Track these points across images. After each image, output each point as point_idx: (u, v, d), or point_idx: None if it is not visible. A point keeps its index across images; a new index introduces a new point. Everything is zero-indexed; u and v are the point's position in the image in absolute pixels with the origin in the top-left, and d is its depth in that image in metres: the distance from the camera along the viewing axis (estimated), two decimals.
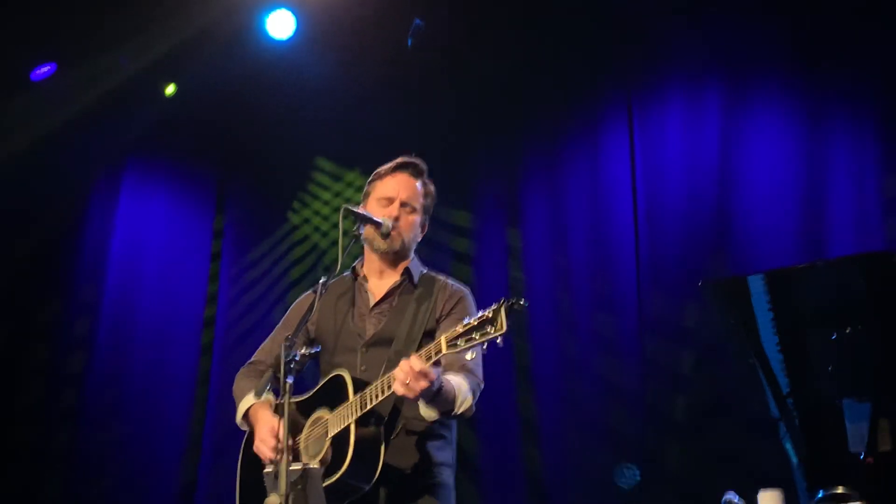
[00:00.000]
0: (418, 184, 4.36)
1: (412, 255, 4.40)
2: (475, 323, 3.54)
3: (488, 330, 3.49)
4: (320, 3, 7.25)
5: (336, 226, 7.66)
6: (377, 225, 4.20)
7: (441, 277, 4.38)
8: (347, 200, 7.70)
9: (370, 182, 4.41)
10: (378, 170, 4.41)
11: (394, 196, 4.29)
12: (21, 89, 7.48)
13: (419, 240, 4.42)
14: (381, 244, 4.27)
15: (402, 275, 4.31)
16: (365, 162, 7.65)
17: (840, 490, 4.26)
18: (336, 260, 4.00)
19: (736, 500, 4.53)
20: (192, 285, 7.96)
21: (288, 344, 3.70)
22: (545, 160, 7.28)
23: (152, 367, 7.63)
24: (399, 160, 4.38)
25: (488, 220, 7.31)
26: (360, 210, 4.25)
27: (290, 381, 3.66)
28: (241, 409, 4.26)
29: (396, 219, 4.25)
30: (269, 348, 4.45)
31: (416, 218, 4.33)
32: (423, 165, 4.40)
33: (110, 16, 7.15)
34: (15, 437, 7.32)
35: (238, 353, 7.55)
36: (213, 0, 7.16)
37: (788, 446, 4.85)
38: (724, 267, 6.31)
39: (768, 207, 6.31)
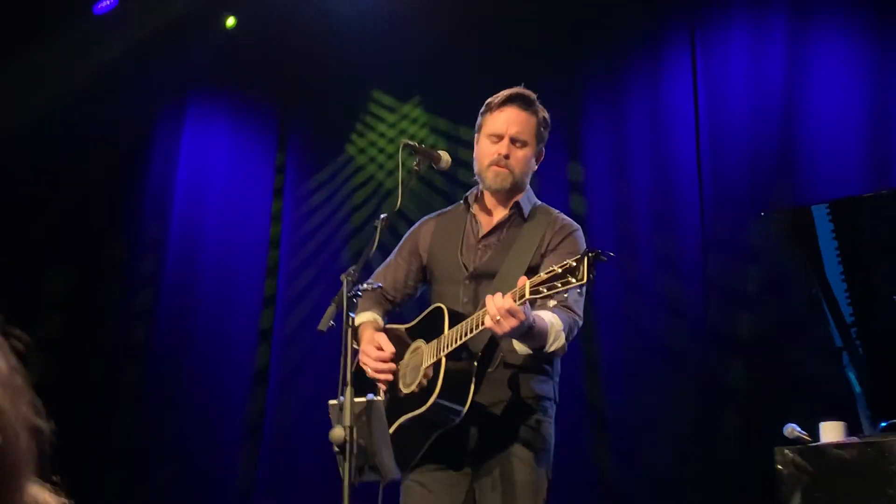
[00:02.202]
0: (529, 115, 4.24)
1: (526, 188, 4.35)
2: (559, 270, 3.50)
3: (570, 279, 3.46)
4: None
5: (391, 157, 7.70)
6: (437, 159, 4.16)
7: (553, 211, 4.33)
8: (402, 132, 7.72)
9: (482, 114, 4.31)
10: (488, 101, 4.30)
11: (502, 132, 4.19)
12: (83, 22, 7.54)
13: (534, 170, 4.35)
14: (492, 182, 4.21)
15: (512, 208, 4.26)
16: (423, 94, 7.75)
17: None
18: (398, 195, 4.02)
19: (798, 431, 4.54)
20: (255, 217, 8.02)
21: (350, 279, 3.73)
22: (606, 89, 7.20)
23: (219, 301, 7.73)
24: (507, 93, 4.26)
25: (549, 153, 7.27)
26: (418, 144, 4.23)
27: (352, 314, 3.70)
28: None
29: (506, 156, 4.17)
30: (385, 273, 4.45)
31: (528, 151, 4.24)
32: (532, 95, 4.28)
33: None
34: (85, 374, 7.48)
35: (300, 294, 7.67)
36: None
37: (851, 376, 4.83)
38: (787, 194, 6.23)
39: (834, 134, 6.21)
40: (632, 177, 6.95)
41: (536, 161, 4.33)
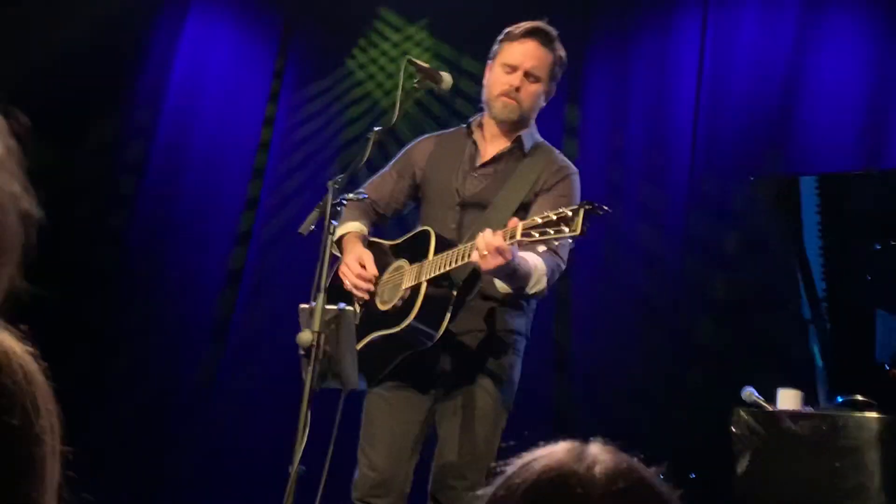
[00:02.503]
0: (546, 52, 4.22)
1: (531, 124, 4.34)
2: (553, 217, 3.49)
3: (564, 229, 3.46)
4: None
5: (391, 76, 7.66)
6: (439, 80, 4.14)
7: (554, 151, 4.33)
8: (405, 54, 7.67)
9: (499, 41, 4.28)
10: (508, 30, 4.27)
11: (518, 64, 4.17)
12: None
13: (542, 107, 4.33)
14: (500, 113, 4.20)
15: (514, 141, 4.25)
16: (431, 17, 7.69)
17: (859, 398, 4.31)
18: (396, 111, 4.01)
19: (755, 395, 4.60)
20: (247, 119, 7.97)
21: (337, 186, 3.75)
22: (613, 37, 7.18)
23: (202, 196, 7.70)
24: (529, 25, 4.23)
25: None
26: (423, 63, 4.21)
27: (335, 222, 3.72)
28: (336, 234, 4.22)
29: (517, 88, 4.16)
30: (378, 184, 4.45)
31: (539, 87, 4.22)
32: (553, 32, 4.26)
33: None
34: (63, 254, 7.45)
35: (284, 199, 7.67)
36: None
37: (815, 349, 4.90)
38: (778, 164, 6.28)
39: (832, 110, 6.23)
40: (627, 127, 6.96)
41: (546, 99, 4.32)
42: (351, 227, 4.28)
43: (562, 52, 4.29)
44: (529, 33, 4.22)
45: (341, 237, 4.27)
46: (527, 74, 4.18)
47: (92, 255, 7.51)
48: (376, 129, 3.99)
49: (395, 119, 4.04)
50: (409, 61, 4.15)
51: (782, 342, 5.76)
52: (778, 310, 5.81)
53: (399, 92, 4.11)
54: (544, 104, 4.34)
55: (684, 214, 6.60)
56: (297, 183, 7.69)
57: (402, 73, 4.13)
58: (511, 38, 4.24)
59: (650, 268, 6.68)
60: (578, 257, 6.71)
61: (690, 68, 6.76)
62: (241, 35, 8.14)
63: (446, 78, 4.16)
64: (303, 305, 3.98)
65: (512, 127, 4.26)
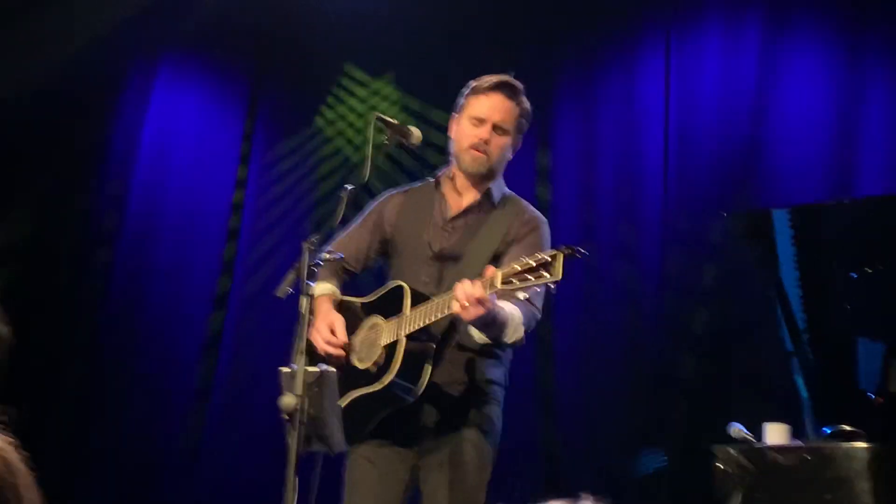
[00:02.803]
0: (513, 105, 4.24)
1: (499, 176, 4.35)
2: (533, 264, 3.51)
3: (543, 274, 3.47)
4: None
5: (360, 132, 7.70)
6: (407, 134, 4.15)
7: (522, 202, 4.34)
8: (373, 108, 7.71)
9: (465, 96, 4.30)
10: (474, 84, 4.28)
11: (486, 117, 4.19)
12: None
13: (509, 159, 4.34)
14: (469, 165, 4.22)
15: (483, 194, 4.27)
16: (397, 71, 7.73)
17: (846, 428, 4.30)
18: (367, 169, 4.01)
19: (743, 431, 4.58)
20: (219, 181, 7.98)
21: (311, 248, 3.73)
22: (580, 80, 7.24)
23: (176, 262, 7.69)
24: (495, 79, 4.24)
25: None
26: (391, 119, 4.22)
27: (311, 283, 3.70)
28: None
29: (486, 141, 4.17)
30: (346, 242, 4.42)
31: (507, 140, 4.24)
32: (519, 86, 4.27)
33: None
34: (39, 327, 7.41)
35: (259, 260, 7.65)
36: None
37: (799, 381, 4.89)
38: (750, 197, 6.31)
39: (800, 141, 6.28)
40: (598, 168, 7.00)
41: (512, 151, 4.34)
42: (322, 290, 4.24)
43: (527, 105, 4.32)
44: (496, 87, 4.23)
45: (313, 299, 4.25)
46: (495, 127, 4.20)
47: (70, 325, 7.48)
48: (349, 187, 3.98)
49: (367, 176, 4.04)
50: (378, 117, 4.15)
51: (767, 375, 5.76)
52: (760, 342, 5.81)
53: (369, 148, 4.12)
54: (511, 157, 4.35)
55: (660, 251, 6.63)
56: (273, 243, 7.68)
57: (371, 130, 4.13)
58: (478, 91, 4.26)
59: (630, 306, 6.69)
60: (558, 300, 6.72)
61: (657, 106, 6.82)
62: (209, 99, 8.17)
63: (416, 133, 4.16)
64: (283, 369, 3.94)
65: (481, 179, 4.27)
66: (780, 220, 4.86)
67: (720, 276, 6.32)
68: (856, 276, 4.61)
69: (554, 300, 6.73)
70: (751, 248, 5.07)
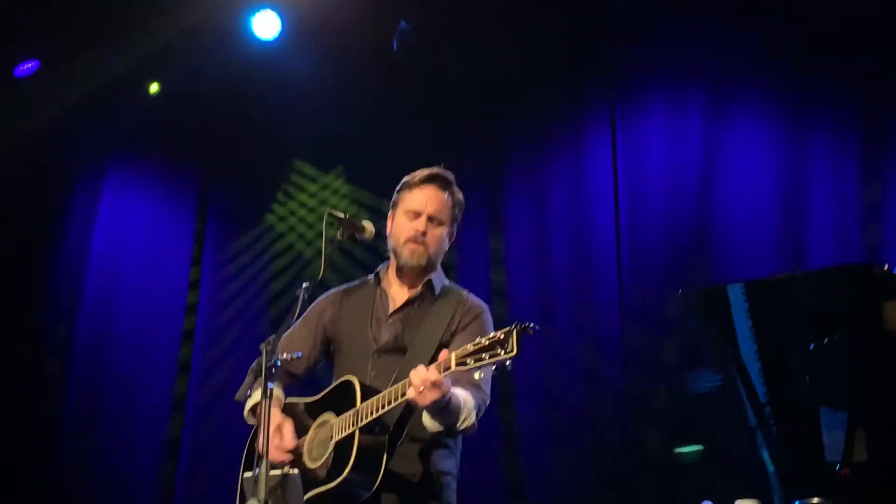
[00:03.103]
0: (446, 196, 4.29)
1: (438, 267, 4.36)
2: (486, 343, 3.52)
3: (498, 352, 3.48)
4: (306, 3, 7.24)
5: (311, 227, 7.70)
6: (360, 230, 4.17)
7: (462, 291, 4.35)
8: (323, 202, 7.73)
9: (398, 191, 4.34)
10: (406, 179, 4.33)
11: (421, 210, 4.23)
12: (4, 86, 7.45)
13: (446, 249, 4.35)
14: (408, 259, 4.22)
15: (424, 285, 4.28)
16: (346, 164, 7.77)
17: (815, 501, 4.28)
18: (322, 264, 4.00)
19: None
20: (172, 284, 7.94)
21: (269, 348, 3.70)
22: (528, 165, 7.32)
23: (131, 371, 7.61)
24: (427, 172, 4.30)
25: (470, 225, 7.35)
26: (342, 214, 4.22)
27: (271, 385, 3.65)
28: (249, 404, 4.21)
29: (423, 233, 4.20)
30: (288, 344, 4.33)
31: (443, 230, 4.27)
32: (450, 177, 4.33)
33: (95, 14, 7.13)
34: None
35: (216, 361, 7.58)
36: (199, 0, 7.14)
37: (765, 455, 4.89)
38: (704, 274, 6.36)
39: (749, 217, 6.37)
40: (552, 249, 7.06)
41: (449, 241, 4.36)
42: (258, 397, 4.19)
43: (460, 196, 4.36)
44: (428, 179, 4.29)
45: (255, 406, 4.19)
46: (430, 219, 4.23)
47: (25, 440, 7.33)
48: (304, 285, 3.96)
49: (321, 272, 4.02)
50: (330, 213, 4.16)
51: (734, 450, 5.74)
52: (724, 418, 5.80)
53: (323, 244, 4.12)
54: (447, 247, 4.37)
55: (619, 328, 6.65)
56: (229, 343, 7.62)
57: (324, 226, 4.13)
58: (410, 185, 4.31)
59: (592, 386, 6.68)
60: (519, 384, 6.73)
61: (606, 185, 6.90)
62: (158, 201, 8.16)
63: (368, 227, 4.19)
64: (246, 474, 3.89)
65: (420, 272, 4.28)
66: (736, 294, 4.88)
67: (681, 352, 6.34)
68: (813, 346, 4.63)
69: (515, 385, 6.75)
70: (708, 324, 5.08)
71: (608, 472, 6.43)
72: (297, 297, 3.92)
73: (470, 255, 7.22)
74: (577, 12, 7.07)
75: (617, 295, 6.71)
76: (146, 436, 7.52)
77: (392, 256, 4.33)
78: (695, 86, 6.76)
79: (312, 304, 4.44)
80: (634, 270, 6.69)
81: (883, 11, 6.20)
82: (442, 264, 4.34)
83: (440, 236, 4.26)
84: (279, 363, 3.69)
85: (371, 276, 4.41)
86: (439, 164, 4.35)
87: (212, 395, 7.49)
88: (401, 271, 4.31)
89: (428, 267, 4.27)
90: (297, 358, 4.12)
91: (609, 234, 6.82)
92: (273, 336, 3.79)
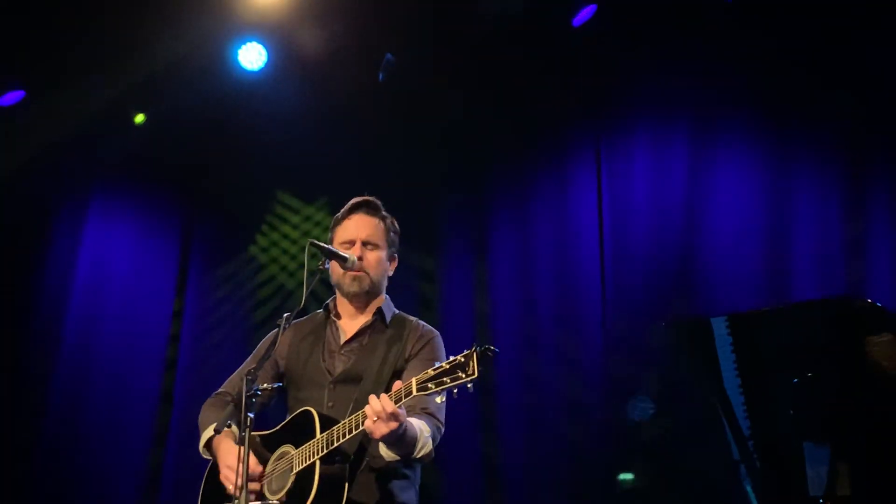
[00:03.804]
0: (377, 220, 4.36)
1: (384, 295, 4.38)
2: (447, 367, 3.54)
3: (459, 375, 3.50)
4: (292, 36, 7.27)
5: (294, 258, 7.69)
6: (343, 260, 4.18)
7: (412, 319, 4.38)
8: (306, 234, 7.73)
9: (331, 229, 4.41)
10: (336, 216, 4.42)
11: (354, 238, 4.29)
12: None
13: (389, 275, 4.40)
14: (350, 287, 4.26)
15: (374, 314, 4.30)
16: (330, 196, 7.77)
17: None
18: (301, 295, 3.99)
19: None
20: (156, 318, 7.90)
21: (250, 378, 3.69)
22: (514, 195, 7.35)
23: (112, 401, 7.56)
24: (352, 202, 4.39)
25: (455, 260, 7.37)
26: (326, 245, 4.23)
27: (251, 415, 3.64)
28: (204, 438, 4.21)
29: (360, 258, 4.24)
30: (237, 380, 4.39)
31: (381, 253, 4.32)
32: (376, 202, 4.40)
33: (82, 45, 7.13)
34: None
35: (199, 391, 7.52)
36: (185, 31, 7.15)
37: (749, 489, 4.87)
38: (688, 307, 6.37)
39: (733, 250, 6.39)
40: (536, 278, 7.07)
41: (391, 265, 4.40)
42: (213, 431, 4.17)
43: (391, 220, 4.42)
44: (354, 208, 4.37)
45: (210, 439, 4.19)
46: (364, 244, 4.29)
47: (3, 470, 7.26)
48: (285, 315, 3.96)
49: (303, 302, 4.01)
50: (312, 243, 4.16)
51: (716, 484, 5.73)
52: (707, 451, 5.79)
53: (305, 274, 4.11)
54: (391, 272, 4.42)
55: (602, 358, 6.65)
56: (211, 372, 7.57)
57: (306, 256, 4.13)
58: (340, 220, 4.39)
59: (574, 415, 6.67)
60: (504, 411, 6.72)
61: (591, 224, 6.93)
62: (142, 231, 8.12)
63: (351, 257, 4.19)
64: None
65: (366, 299, 4.32)
66: (719, 327, 4.88)
67: (664, 383, 6.34)
68: (797, 380, 4.62)
69: (497, 414, 6.73)
70: (692, 356, 5.08)
71: (591, 502, 6.40)
72: (279, 327, 3.92)
73: (454, 284, 7.23)
74: (564, 47, 7.09)
75: (600, 325, 6.72)
76: (127, 465, 7.46)
77: (337, 291, 4.36)
78: (679, 120, 6.80)
79: (263, 340, 4.44)
80: (618, 301, 6.71)
81: (865, 49, 6.25)
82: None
83: (378, 259, 4.31)
84: (259, 392, 3.69)
85: (321, 310, 4.43)
86: (363, 193, 4.42)
87: (194, 425, 7.43)
88: (350, 302, 4.33)
89: (371, 292, 4.31)
90: (276, 387, 4.12)
91: (593, 266, 6.84)
92: (254, 367, 3.79)
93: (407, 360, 4.18)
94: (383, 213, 4.39)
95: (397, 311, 4.40)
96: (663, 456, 6.28)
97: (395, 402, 3.64)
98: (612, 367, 6.60)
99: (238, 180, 8.03)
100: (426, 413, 3.98)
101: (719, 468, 5.51)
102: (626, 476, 6.28)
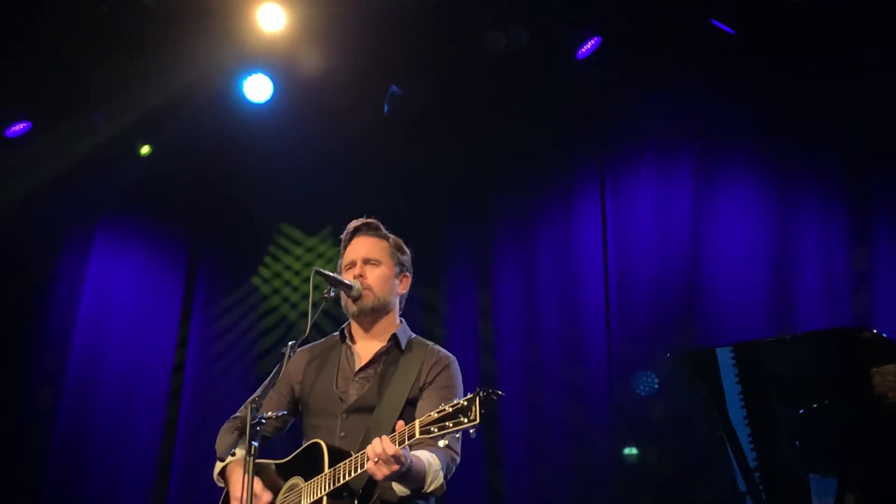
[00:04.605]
0: (376, 239, 4.36)
1: (401, 319, 4.36)
2: (450, 410, 3.52)
3: (462, 419, 3.48)
4: (298, 68, 7.30)
5: (296, 289, 7.70)
6: (348, 288, 4.18)
7: (429, 344, 4.34)
8: (308, 264, 7.74)
9: (340, 256, 4.41)
10: (342, 243, 4.43)
11: (354, 259, 4.29)
12: None
13: (399, 293, 4.37)
14: (352, 307, 4.25)
15: (390, 340, 4.27)
16: (333, 226, 7.77)
17: None
18: (307, 324, 3.98)
19: None
20: (160, 347, 7.89)
21: (254, 406, 3.67)
22: (518, 228, 7.36)
23: (115, 436, 7.54)
24: (351, 225, 4.40)
25: (459, 289, 7.37)
26: (331, 273, 4.22)
27: (255, 444, 3.62)
28: (218, 467, 4.20)
29: (361, 277, 4.24)
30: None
31: (384, 270, 4.29)
32: (376, 222, 4.40)
33: (88, 76, 7.17)
34: None
35: (204, 423, 7.50)
36: (191, 63, 7.18)
37: None
38: (693, 336, 6.37)
39: (738, 279, 6.39)
40: (540, 306, 7.08)
41: (401, 283, 4.38)
42: (234, 456, 4.12)
43: (392, 237, 4.41)
44: (353, 232, 4.39)
45: (224, 468, 4.17)
46: (365, 262, 4.28)
47: None
48: (290, 343, 3.95)
49: (307, 331, 4.00)
50: (317, 272, 4.15)
51: None
52: (713, 482, 5.77)
53: (310, 302, 4.10)
54: (402, 290, 4.39)
55: (607, 387, 6.64)
56: (215, 401, 7.56)
57: (311, 284, 4.12)
58: (343, 247, 4.41)
59: (579, 444, 6.65)
60: (508, 441, 6.70)
61: (596, 253, 6.93)
62: (147, 263, 8.13)
63: (356, 285, 4.19)
64: None
65: (376, 320, 4.28)
66: (725, 357, 4.85)
67: (669, 412, 6.32)
68: (803, 411, 4.60)
69: (503, 441, 6.72)
70: (697, 386, 5.06)
71: None
72: (283, 355, 3.91)
73: (459, 313, 7.24)
74: (568, 78, 7.12)
75: (606, 354, 6.71)
76: (132, 497, 7.43)
77: (348, 316, 4.33)
78: (683, 150, 6.82)
79: (279, 365, 4.42)
80: (623, 331, 6.71)
81: (869, 79, 6.27)
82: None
83: (380, 275, 4.29)
84: (263, 420, 3.67)
85: (336, 334, 4.40)
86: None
87: (199, 453, 7.41)
88: (360, 325, 4.31)
89: (377, 308, 4.26)
90: (282, 416, 4.10)
91: (598, 295, 6.84)
92: (258, 394, 3.77)
93: (422, 389, 4.14)
94: (384, 232, 4.39)
95: (413, 336, 4.37)
96: (669, 487, 6.25)
97: (400, 444, 3.61)
98: (616, 397, 6.58)
99: (243, 211, 8.04)
100: (439, 446, 3.88)
101: (725, 500, 5.49)
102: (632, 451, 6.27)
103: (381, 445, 3.60)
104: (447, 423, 3.51)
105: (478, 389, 3.48)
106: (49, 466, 7.35)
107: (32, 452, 7.38)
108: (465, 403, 3.48)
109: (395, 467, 3.61)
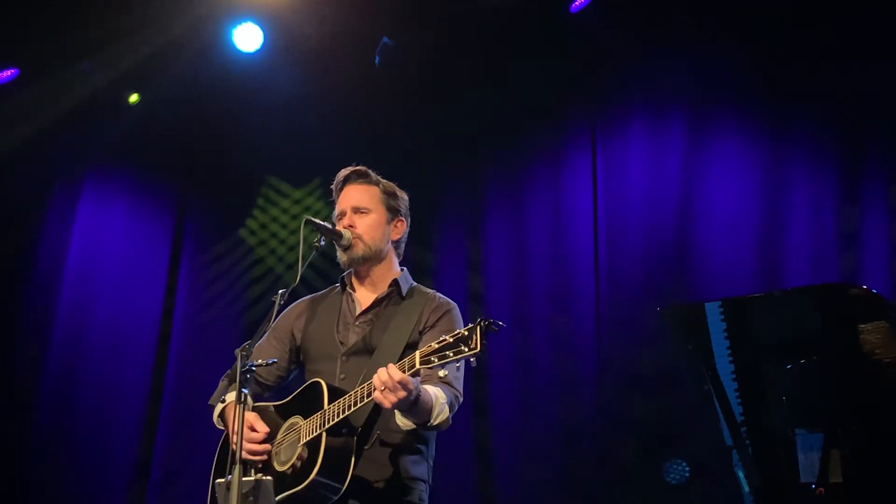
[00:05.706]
0: (365, 186, 4.34)
1: (401, 267, 4.36)
2: (450, 340, 3.52)
3: (462, 348, 3.48)
4: (288, 16, 7.23)
5: (283, 242, 7.69)
6: (339, 237, 4.18)
7: (429, 291, 4.34)
8: (295, 217, 7.72)
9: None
10: (333, 195, 4.41)
11: (344, 209, 4.30)
12: None
13: (394, 239, 4.35)
14: (343, 257, 4.25)
15: (391, 286, 4.28)
16: (321, 179, 7.75)
17: None
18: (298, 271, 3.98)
19: None
20: (148, 299, 7.88)
21: (244, 353, 3.67)
22: (508, 183, 7.35)
23: (104, 385, 7.55)
24: (340, 175, 4.38)
25: (449, 242, 7.37)
26: (321, 222, 4.22)
27: (245, 391, 3.62)
28: (218, 409, 4.21)
29: (352, 226, 4.24)
30: (256, 354, 4.32)
31: (374, 217, 4.29)
32: (365, 169, 4.38)
33: (77, 26, 7.10)
34: None
35: (193, 369, 7.51)
36: (180, 12, 7.12)
37: (741, 475, 4.86)
38: (682, 293, 6.39)
39: (727, 236, 6.41)
40: (530, 260, 7.10)
41: (394, 228, 4.36)
42: (231, 397, 4.14)
43: (386, 183, 4.39)
44: (344, 180, 4.38)
45: (224, 409, 4.18)
46: (355, 210, 4.28)
47: None
48: (280, 291, 3.95)
49: (297, 279, 4.00)
50: (308, 221, 4.15)
51: (711, 466, 5.75)
52: (700, 437, 5.81)
53: (300, 250, 4.10)
54: (397, 236, 4.38)
55: (595, 340, 6.66)
56: (203, 350, 7.57)
57: (301, 232, 4.12)
58: (335, 196, 4.39)
59: (567, 394, 6.69)
60: (495, 391, 6.73)
61: (586, 210, 6.94)
62: (135, 213, 8.10)
63: (346, 234, 4.19)
64: (219, 480, 3.85)
65: (369, 266, 4.28)
66: (713, 312, 4.86)
67: (657, 365, 6.35)
68: (790, 367, 4.62)
69: (491, 393, 6.74)
70: (686, 341, 5.07)
71: (583, 485, 6.42)
72: (273, 304, 3.91)
73: (448, 264, 7.24)
74: (561, 33, 7.08)
75: (594, 308, 6.72)
76: (116, 453, 7.46)
77: (343, 266, 4.33)
78: (675, 107, 6.82)
79: (283, 313, 4.42)
80: (613, 286, 6.74)
81: (860, 37, 6.26)
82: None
83: (371, 222, 4.28)
84: (254, 368, 3.68)
85: (337, 284, 4.40)
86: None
87: (185, 402, 7.45)
88: (358, 273, 4.32)
89: (369, 256, 4.26)
90: (272, 364, 4.11)
91: (587, 250, 6.85)
92: (248, 342, 3.77)
93: (422, 333, 4.14)
94: (374, 178, 4.36)
95: (415, 284, 4.37)
96: (655, 440, 6.29)
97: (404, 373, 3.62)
98: (605, 351, 6.60)
99: (232, 162, 8.01)
100: (444, 381, 3.93)
101: (711, 454, 5.54)
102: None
103: (386, 373, 3.61)
104: (447, 353, 3.51)
105: (479, 319, 3.48)
106: (38, 417, 7.35)
107: (21, 405, 7.38)
108: (466, 333, 3.49)
109: (403, 394, 3.61)
